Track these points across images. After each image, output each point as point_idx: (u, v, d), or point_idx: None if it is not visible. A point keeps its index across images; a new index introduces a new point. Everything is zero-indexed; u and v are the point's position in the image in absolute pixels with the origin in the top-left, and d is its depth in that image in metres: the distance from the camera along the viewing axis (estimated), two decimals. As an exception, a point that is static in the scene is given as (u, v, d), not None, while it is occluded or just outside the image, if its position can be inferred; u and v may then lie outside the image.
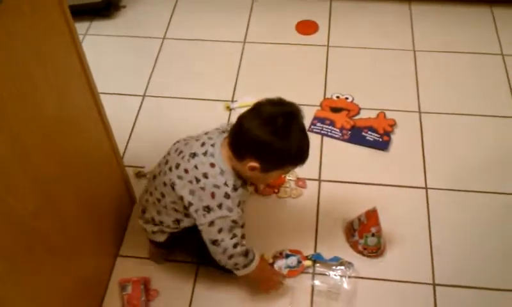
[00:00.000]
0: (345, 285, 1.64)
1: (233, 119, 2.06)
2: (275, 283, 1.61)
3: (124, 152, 2.00)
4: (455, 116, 2.10)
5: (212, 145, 1.41)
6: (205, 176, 1.38)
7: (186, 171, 1.41)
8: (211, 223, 1.39)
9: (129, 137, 2.06)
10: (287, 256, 1.70)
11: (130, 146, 2.04)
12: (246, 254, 1.46)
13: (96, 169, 1.54)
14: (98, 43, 2.43)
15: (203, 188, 1.38)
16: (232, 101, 2.18)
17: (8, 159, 1.05)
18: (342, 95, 2.17)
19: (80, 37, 1.37)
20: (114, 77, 2.24)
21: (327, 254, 1.69)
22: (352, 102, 2.15)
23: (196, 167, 1.39)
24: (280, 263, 1.68)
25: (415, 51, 2.36)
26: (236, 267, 1.47)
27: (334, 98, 2.16)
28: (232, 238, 1.41)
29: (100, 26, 2.53)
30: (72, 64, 1.34)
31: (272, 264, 1.67)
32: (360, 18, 2.53)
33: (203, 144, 1.43)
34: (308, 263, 1.68)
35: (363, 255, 1.70)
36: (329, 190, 1.88)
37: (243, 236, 1.45)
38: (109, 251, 1.71)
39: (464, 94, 2.18)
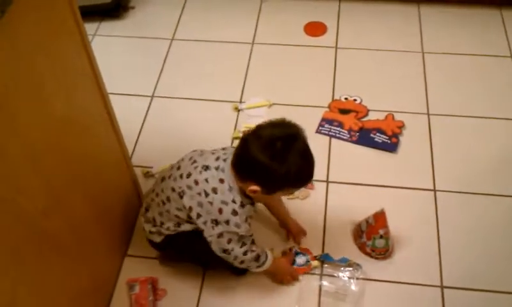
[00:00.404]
0: (353, 287, 1.64)
1: (241, 120, 2.08)
2: (289, 279, 1.64)
3: (132, 152, 2.01)
4: (463, 118, 2.09)
5: (224, 160, 1.42)
6: (214, 191, 1.39)
7: (196, 182, 1.41)
8: (220, 235, 1.42)
9: (138, 137, 2.07)
10: (297, 253, 1.70)
11: (139, 146, 2.04)
12: (257, 258, 1.50)
13: (105, 169, 1.55)
14: (107, 43, 2.44)
15: (211, 203, 1.39)
16: (240, 102, 2.18)
17: (18, 160, 1.06)
18: (351, 97, 2.17)
19: (90, 37, 1.38)
20: (123, 78, 2.25)
21: (335, 256, 1.69)
22: (360, 103, 2.15)
23: (206, 180, 1.40)
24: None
25: (423, 53, 2.36)
26: (249, 268, 1.53)
27: (342, 99, 2.16)
28: (241, 247, 1.45)
29: (109, 27, 2.54)
30: (81, 65, 1.34)
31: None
32: (368, 20, 2.52)
33: (217, 159, 1.44)
34: (315, 263, 1.68)
35: (371, 257, 1.70)
36: (337, 191, 1.88)
37: (253, 242, 1.48)
38: (117, 251, 1.72)
39: (473, 96, 2.18)
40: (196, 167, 1.44)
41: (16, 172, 1.05)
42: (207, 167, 1.42)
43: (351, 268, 1.66)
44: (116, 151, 1.61)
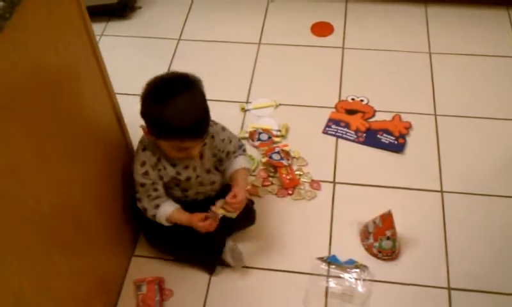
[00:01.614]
0: (359, 288, 1.63)
1: (248, 121, 2.08)
2: (202, 229, 1.55)
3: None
4: (471, 119, 2.08)
5: None
6: None
7: None
8: None
9: (144, 137, 2.07)
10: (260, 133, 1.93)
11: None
12: (144, 211, 1.57)
13: (113, 170, 1.55)
14: (114, 43, 2.44)
15: None
16: (247, 102, 2.18)
17: (26, 160, 1.06)
18: (357, 97, 2.17)
19: (97, 38, 1.38)
20: (130, 78, 2.22)
21: (341, 257, 1.69)
22: (367, 104, 2.14)
23: None
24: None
25: (430, 53, 2.35)
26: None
27: (349, 100, 2.16)
28: (137, 196, 1.57)
29: (116, 27, 2.54)
30: (89, 65, 1.35)
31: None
32: (375, 20, 2.52)
33: None
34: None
35: (378, 258, 1.69)
36: (343, 192, 1.88)
37: (150, 196, 1.54)
38: (124, 251, 1.72)
39: (481, 97, 2.17)
40: None
41: (23, 171, 1.05)
42: None
43: (357, 270, 1.66)
44: (122, 150, 1.61)
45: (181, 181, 1.56)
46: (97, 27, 2.47)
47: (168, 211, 1.55)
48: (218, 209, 1.52)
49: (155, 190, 1.55)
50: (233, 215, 1.54)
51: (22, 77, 1.03)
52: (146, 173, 1.53)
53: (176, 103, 1.37)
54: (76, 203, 1.31)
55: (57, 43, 1.18)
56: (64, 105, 1.22)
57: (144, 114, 1.42)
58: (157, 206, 1.55)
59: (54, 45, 1.17)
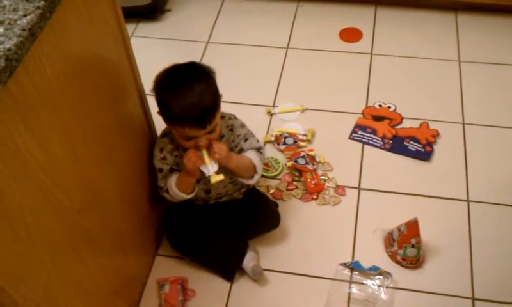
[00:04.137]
0: (382, 295, 1.63)
1: (274, 125, 2.09)
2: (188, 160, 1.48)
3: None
4: (499, 129, 2.06)
5: None
6: None
7: None
8: None
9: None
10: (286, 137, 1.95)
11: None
12: (161, 191, 1.60)
13: (141, 169, 1.58)
14: (144, 45, 2.47)
15: None
16: (273, 106, 2.19)
17: (60, 157, 1.09)
18: (385, 104, 2.16)
19: (127, 39, 1.42)
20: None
21: (365, 263, 1.68)
22: (394, 110, 2.13)
23: None
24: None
25: (460, 61, 2.33)
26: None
27: (376, 106, 2.15)
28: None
29: (145, 28, 2.58)
30: (122, 65, 1.38)
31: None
32: (404, 27, 2.50)
33: None
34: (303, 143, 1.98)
35: (402, 266, 1.68)
36: (368, 198, 1.87)
37: (165, 176, 1.58)
38: (149, 250, 1.74)
39: (509, 107, 2.14)
40: None
41: (57, 166, 1.08)
42: None
43: (381, 277, 1.66)
44: (150, 150, 1.63)
45: (201, 175, 1.53)
46: (127, 28, 2.50)
47: (173, 177, 1.56)
48: (204, 150, 1.47)
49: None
50: (211, 168, 1.46)
51: (60, 76, 1.06)
52: (164, 158, 1.57)
53: (180, 88, 1.40)
54: (105, 201, 1.34)
55: (94, 44, 1.21)
56: (98, 104, 1.25)
57: (155, 97, 1.46)
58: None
59: (91, 45, 1.20)
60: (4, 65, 0.84)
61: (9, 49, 0.85)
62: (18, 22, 0.90)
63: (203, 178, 1.57)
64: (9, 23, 0.89)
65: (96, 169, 1.27)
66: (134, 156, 1.52)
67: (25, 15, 0.91)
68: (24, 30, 0.89)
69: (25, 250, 1.00)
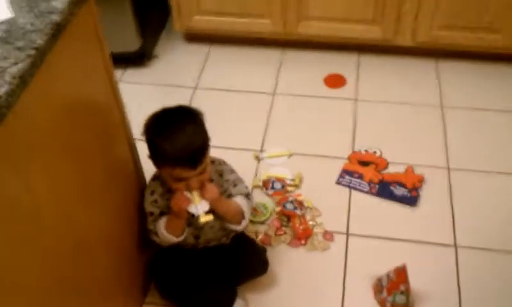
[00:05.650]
0: (372, 343, 1.61)
1: (261, 169, 2.10)
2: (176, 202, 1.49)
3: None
4: (485, 174, 2.08)
5: None
6: None
7: None
8: None
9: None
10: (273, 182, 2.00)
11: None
12: (151, 235, 1.59)
13: (128, 213, 1.56)
14: (132, 90, 2.47)
15: None
16: (261, 151, 2.20)
17: (46, 202, 1.08)
18: (370, 149, 2.18)
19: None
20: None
21: (354, 310, 1.67)
22: (380, 156, 2.15)
23: None
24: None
25: (442, 107, 2.37)
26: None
27: (362, 151, 2.17)
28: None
29: (133, 74, 2.60)
30: (110, 110, 1.38)
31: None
32: (387, 73, 2.56)
33: None
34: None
35: (392, 312, 1.67)
36: (357, 244, 1.87)
37: (155, 219, 1.57)
38: (137, 298, 1.71)
39: (494, 152, 2.17)
40: None
41: (43, 212, 1.07)
42: None
43: (371, 324, 1.64)
44: (138, 198, 1.62)
45: (190, 218, 1.53)
46: (116, 74, 2.52)
47: (162, 220, 1.55)
48: (194, 190, 1.46)
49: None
50: (200, 207, 1.45)
51: (49, 122, 1.06)
52: (155, 202, 1.56)
53: (170, 129, 1.42)
54: (92, 246, 1.32)
55: (82, 90, 1.22)
56: (86, 149, 1.24)
57: (146, 140, 1.46)
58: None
59: (80, 92, 1.21)
60: (-5, 112, 0.84)
61: (-1, 97, 0.85)
62: (8, 70, 0.91)
63: (193, 223, 1.56)
64: (0, 72, 0.90)
65: (84, 214, 1.25)
66: (123, 201, 1.51)
67: (16, 63, 0.92)
68: (14, 78, 0.89)
69: (8, 300, 0.97)
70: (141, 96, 2.45)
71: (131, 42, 2.50)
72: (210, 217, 1.46)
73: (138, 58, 2.62)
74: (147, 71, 2.63)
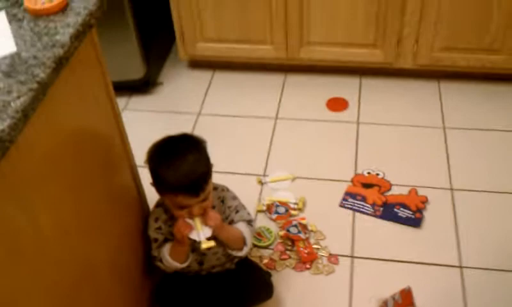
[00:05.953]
0: None
1: (265, 194, 2.11)
2: (175, 232, 1.51)
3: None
4: (488, 194, 2.08)
5: None
6: None
7: None
8: None
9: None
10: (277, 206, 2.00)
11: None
12: (154, 259, 1.60)
13: (133, 242, 1.57)
14: (137, 118, 2.51)
15: None
16: (264, 175, 2.21)
17: (50, 233, 1.09)
18: (373, 171, 2.19)
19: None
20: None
21: (360, 334, 1.66)
22: (383, 178, 2.16)
23: None
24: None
25: (444, 128, 2.38)
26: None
27: (365, 174, 2.18)
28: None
29: (138, 101, 2.63)
30: (113, 139, 1.40)
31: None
32: (389, 95, 2.57)
33: None
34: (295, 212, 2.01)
35: (397, 335, 1.66)
36: (362, 267, 1.87)
37: (160, 245, 1.58)
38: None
39: (497, 172, 2.17)
40: None
41: (47, 242, 1.08)
42: None
43: (376, 347, 1.63)
44: (144, 223, 1.63)
45: (194, 244, 1.54)
46: (120, 102, 2.54)
47: (166, 247, 1.56)
48: (197, 217, 1.48)
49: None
50: (202, 234, 1.47)
51: (51, 153, 1.08)
52: (159, 228, 1.58)
53: (173, 157, 1.44)
54: (97, 275, 1.32)
55: (85, 121, 1.24)
56: (89, 179, 1.26)
57: (149, 168, 1.48)
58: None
59: (82, 123, 1.22)
60: (-3, 146, 0.85)
61: (2, 130, 0.87)
62: (12, 104, 0.92)
63: (196, 249, 1.57)
64: (3, 105, 0.92)
65: (88, 244, 1.27)
66: (126, 229, 1.52)
67: (18, 97, 0.94)
68: (17, 112, 0.91)
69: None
70: (146, 123, 2.48)
71: (136, 70, 2.54)
72: (211, 244, 1.46)
73: (143, 85, 2.65)
74: (152, 98, 2.66)
